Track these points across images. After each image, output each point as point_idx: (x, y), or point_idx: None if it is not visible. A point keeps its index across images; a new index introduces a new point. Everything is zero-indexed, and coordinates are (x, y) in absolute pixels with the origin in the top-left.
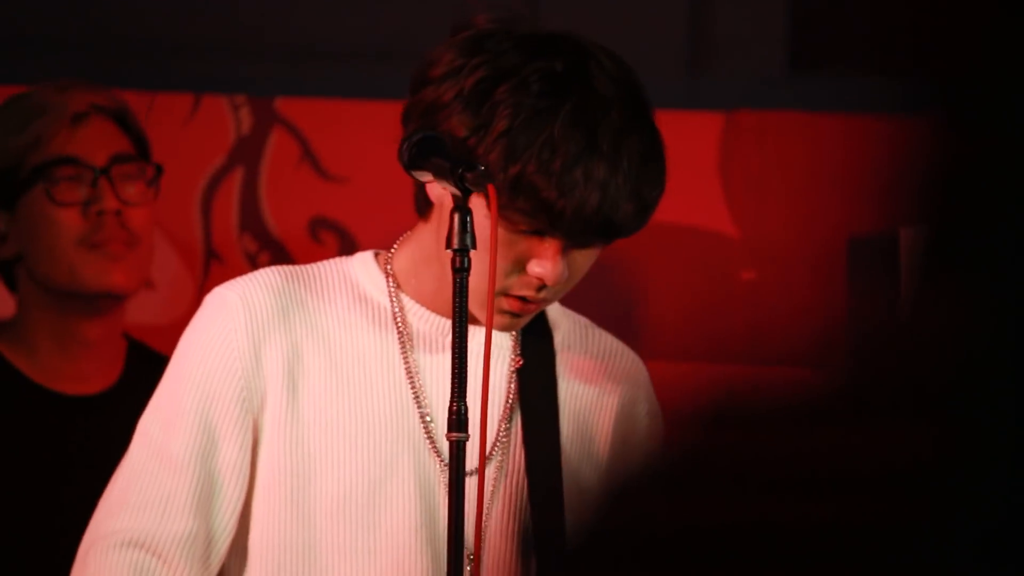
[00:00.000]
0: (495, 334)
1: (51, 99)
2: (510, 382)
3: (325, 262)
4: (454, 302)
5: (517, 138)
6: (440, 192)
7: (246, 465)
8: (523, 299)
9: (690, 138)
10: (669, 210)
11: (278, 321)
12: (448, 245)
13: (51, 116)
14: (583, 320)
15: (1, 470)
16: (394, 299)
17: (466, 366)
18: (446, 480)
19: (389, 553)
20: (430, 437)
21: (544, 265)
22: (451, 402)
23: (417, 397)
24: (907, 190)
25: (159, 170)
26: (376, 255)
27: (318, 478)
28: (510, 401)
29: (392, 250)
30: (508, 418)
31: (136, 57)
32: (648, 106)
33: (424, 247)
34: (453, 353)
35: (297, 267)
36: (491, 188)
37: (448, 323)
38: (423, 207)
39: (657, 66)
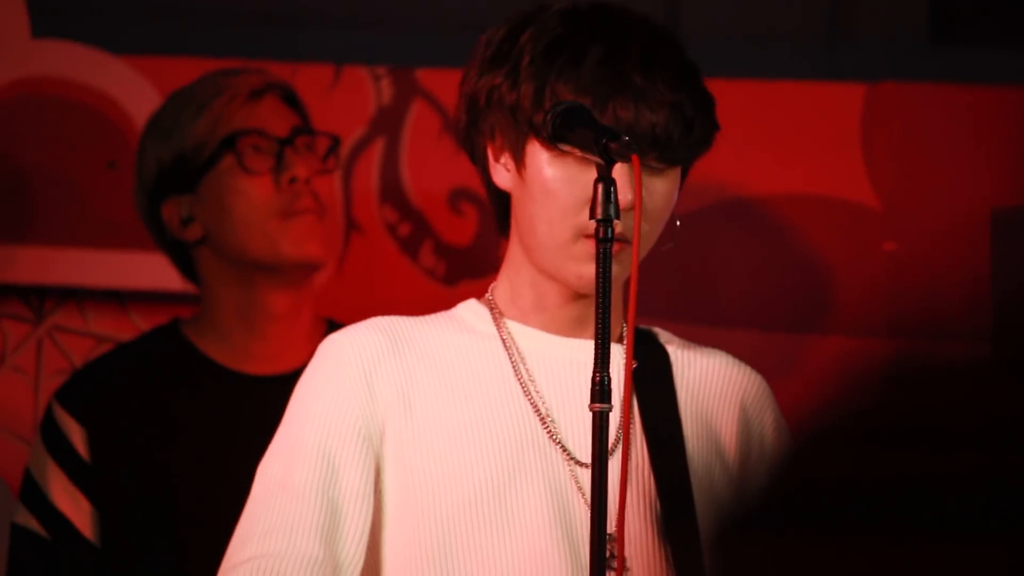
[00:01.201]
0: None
1: (224, 81)
2: (625, 383)
3: (435, 314)
4: (597, 271)
5: (541, 62)
6: (506, 177)
7: (369, 494)
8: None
9: (831, 109)
10: (810, 181)
11: (388, 354)
12: (592, 215)
13: (227, 95)
14: (695, 343)
15: (200, 458)
16: (500, 326)
17: (609, 334)
18: (573, 474)
19: (524, 549)
20: (551, 434)
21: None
22: (594, 372)
23: (534, 403)
24: None
25: (336, 142)
26: (479, 299)
27: (446, 487)
28: (628, 400)
29: (491, 287)
30: (628, 416)
31: (278, 28)
32: (682, 47)
33: (514, 264)
34: (596, 323)
35: (405, 317)
36: (635, 158)
37: (555, 338)
38: (504, 225)
39: (798, 37)
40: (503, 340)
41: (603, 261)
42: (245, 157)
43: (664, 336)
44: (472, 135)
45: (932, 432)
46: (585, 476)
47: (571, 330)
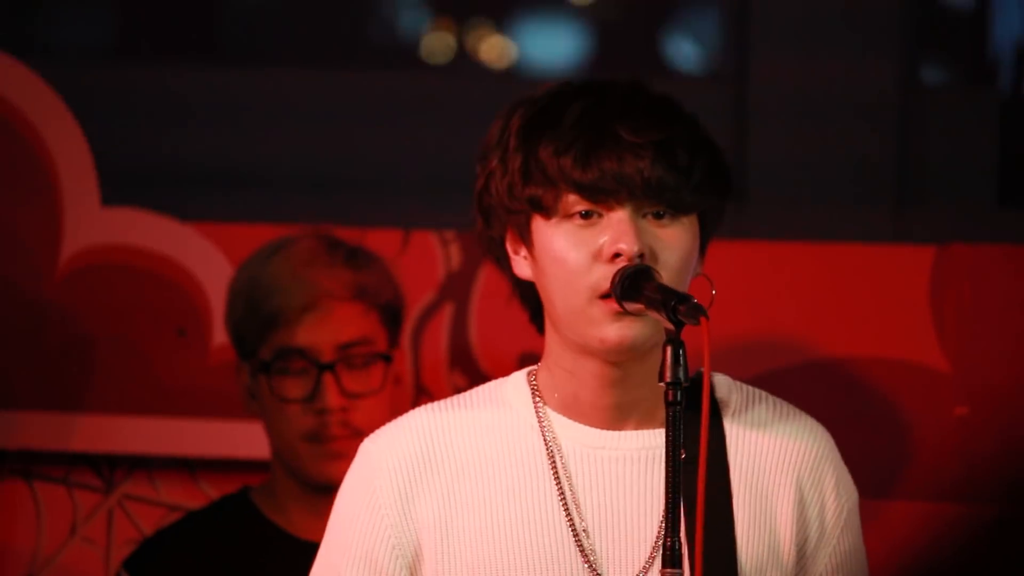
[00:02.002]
0: (649, 435)
1: (293, 274)
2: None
3: (483, 386)
4: (668, 433)
5: (525, 135)
6: (525, 266)
7: None
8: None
9: (900, 272)
10: (880, 344)
11: (424, 467)
12: (660, 379)
13: (286, 297)
14: (758, 393)
15: None
16: (541, 416)
17: (679, 497)
18: None
19: None
20: (584, 555)
21: (614, 237)
22: (665, 537)
23: (570, 517)
24: None
25: (388, 360)
26: (529, 372)
27: None
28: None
29: (533, 371)
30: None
31: (346, 193)
32: (672, 99)
33: (552, 353)
34: (668, 484)
35: (452, 399)
36: (704, 320)
37: (595, 432)
38: (537, 321)
39: (866, 199)
40: (544, 436)
41: (672, 424)
42: (279, 382)
43: (721, 390)
44: (490, 238)
45: None
46: None
47: (610, 421)
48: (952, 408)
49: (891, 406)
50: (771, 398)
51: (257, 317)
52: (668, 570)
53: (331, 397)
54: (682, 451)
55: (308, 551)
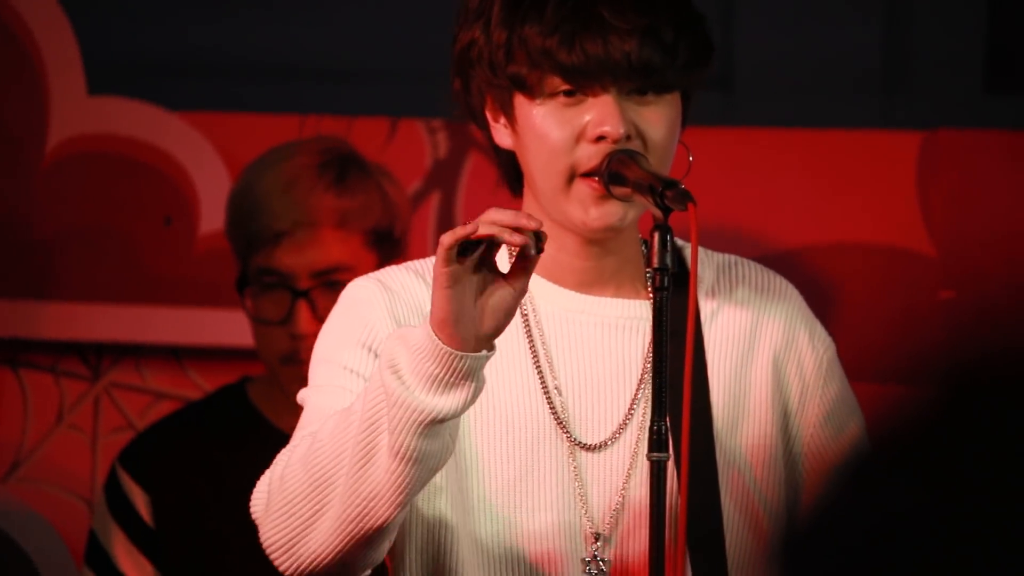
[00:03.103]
0: (627, 304)
1: (277, 194)
2: (647, 356)
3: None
4: (654, 318)
5: (508, 9)
6: (506, 135)
7: None
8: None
9: (887, 158)
10: (866, 229)
11: (405, 309)
12: (647, 263)
13: (267, 218)
14: (729, 259)
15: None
16: None
17: (666, 383)
18: (575, 463)
19: (532, 553)
20: (559, 421)
21: (598, 119)
22: (651, 421)
23: (545, 385)
24: None
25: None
26: None
27: (469, 479)
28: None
29: None
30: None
31: (333, 83)
32: None
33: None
34: (655, 368)
35: (429, 258)
36: (691, 207)
37: (572, 295)
38: (514, 186)
39: (853, 85)
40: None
41: (659, 310)
42: (258, 303)
43: (703, 274)
44: (468, 100)
45: None
46: (586, 460)
47: (589, 285)
48: (938, 292)
49: (878, 290)
50: (741, 263)
51: (242, 232)
52: (654, 454)
53: (304, 322)
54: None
55: None
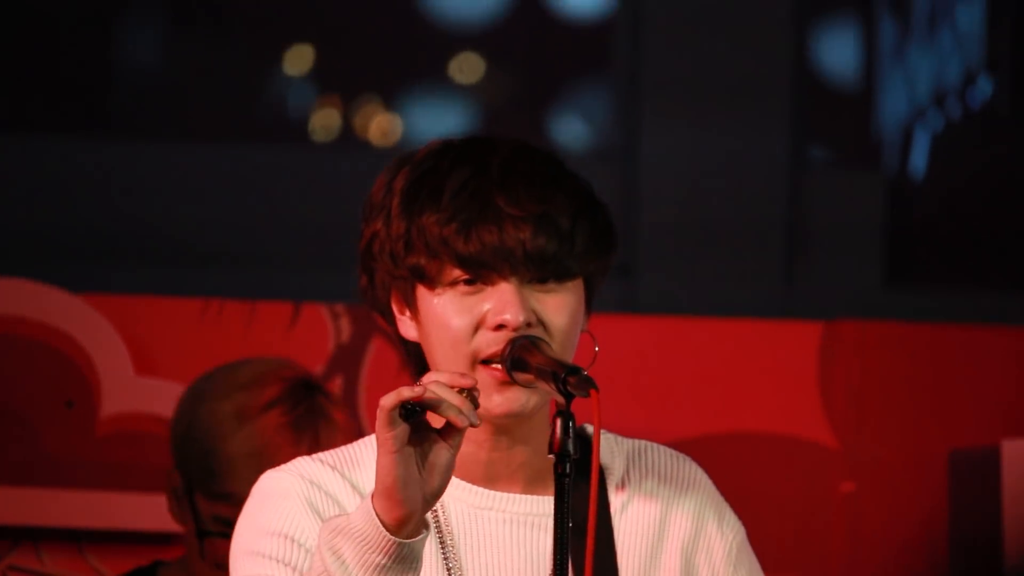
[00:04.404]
0: (536, 501)
1: (243, 455)
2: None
3: (367, 439)
4: (556, 505)
5: (407, 201)
6: (410, 327)
7: None
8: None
9: (788, 347)
10: (767, 420)
11: (318, 502)
12: (550, 450)
13: (229, 487)
14: (639, 445)
15: None
16: None
17: (567, 566)
18: None
19: None
20: None
21: (498, 307)
22: None
23: None
24: (1010, 403)
25: None
26: None
27: None
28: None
29: None
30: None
31: (237, 267)
32: (558, 159)
33: None
34: (556, 561)
35: (336, 451)
36: (594, 393)
37: (480, 491)
38: (421, 376)
39: (755, 275)
40: None
41: (560, 495)
42: (209, 548)
43: (605, 455)
44: (374, 294)
45: None
46: None
47: (496, 481)
48: (839, 484)
49: (777, 481)
50: (650, 449)
51: (197, 477)
52: None
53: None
54: (569, 523)
55: None
